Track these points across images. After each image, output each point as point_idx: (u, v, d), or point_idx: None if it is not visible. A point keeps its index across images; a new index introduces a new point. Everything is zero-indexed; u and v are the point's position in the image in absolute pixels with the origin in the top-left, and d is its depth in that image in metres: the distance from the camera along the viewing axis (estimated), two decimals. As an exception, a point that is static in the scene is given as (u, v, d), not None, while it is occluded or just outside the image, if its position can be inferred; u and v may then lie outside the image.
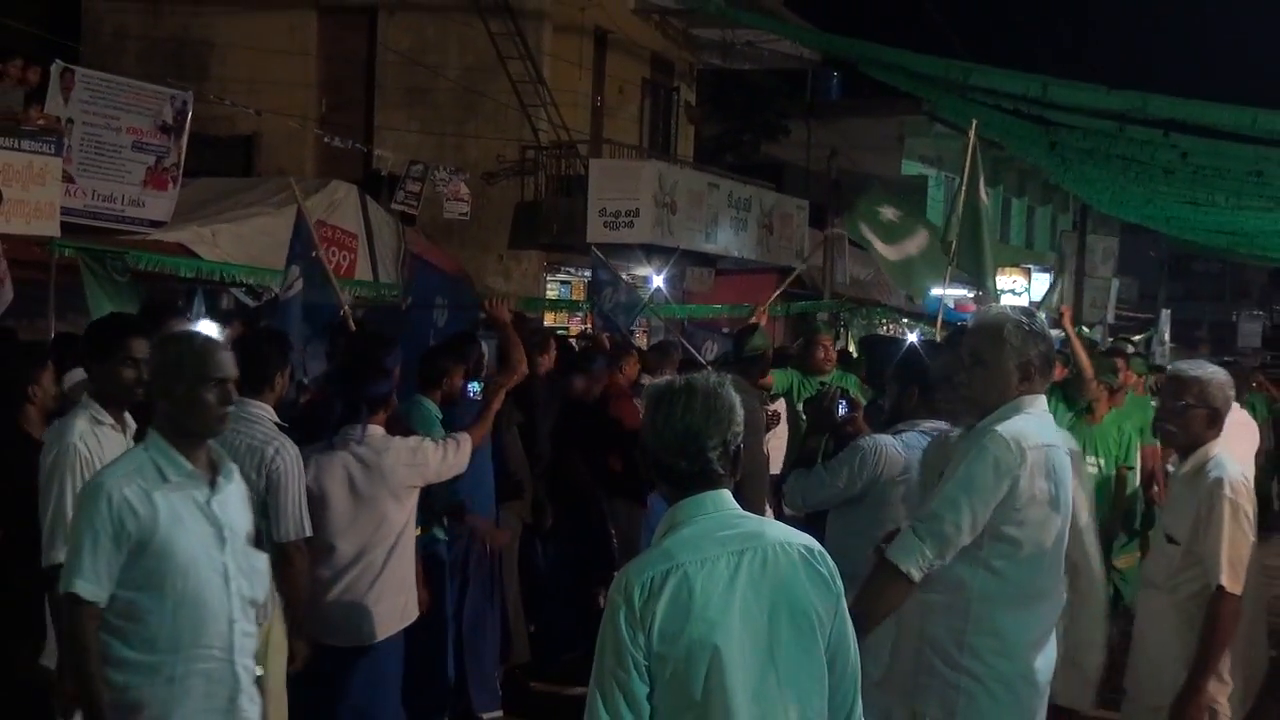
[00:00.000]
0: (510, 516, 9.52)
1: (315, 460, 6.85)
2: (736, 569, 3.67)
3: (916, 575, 4.80)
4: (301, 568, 6.31)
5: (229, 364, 4.90)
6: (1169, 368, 7.31)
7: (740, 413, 3.76)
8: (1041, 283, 38.92)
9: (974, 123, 14.11)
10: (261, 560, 5.15)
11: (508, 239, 23.97)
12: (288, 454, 6.33)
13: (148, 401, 5.11)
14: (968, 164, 13.46)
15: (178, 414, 4.84)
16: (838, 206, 29.52)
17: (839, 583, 3.80)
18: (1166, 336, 31.68)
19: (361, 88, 24.37)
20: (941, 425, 6.05)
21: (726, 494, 3.77)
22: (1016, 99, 19.47)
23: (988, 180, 42.79)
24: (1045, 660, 5.10)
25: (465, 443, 7.42)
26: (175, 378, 4.81)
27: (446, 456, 7.30)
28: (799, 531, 3.87)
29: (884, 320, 27.58)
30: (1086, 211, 35.76)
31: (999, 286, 32.97)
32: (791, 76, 34.32)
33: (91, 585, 4.65)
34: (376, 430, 7.06)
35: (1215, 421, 5.96)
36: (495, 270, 23.58)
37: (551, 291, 25.32)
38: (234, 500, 5.00)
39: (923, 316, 25.32)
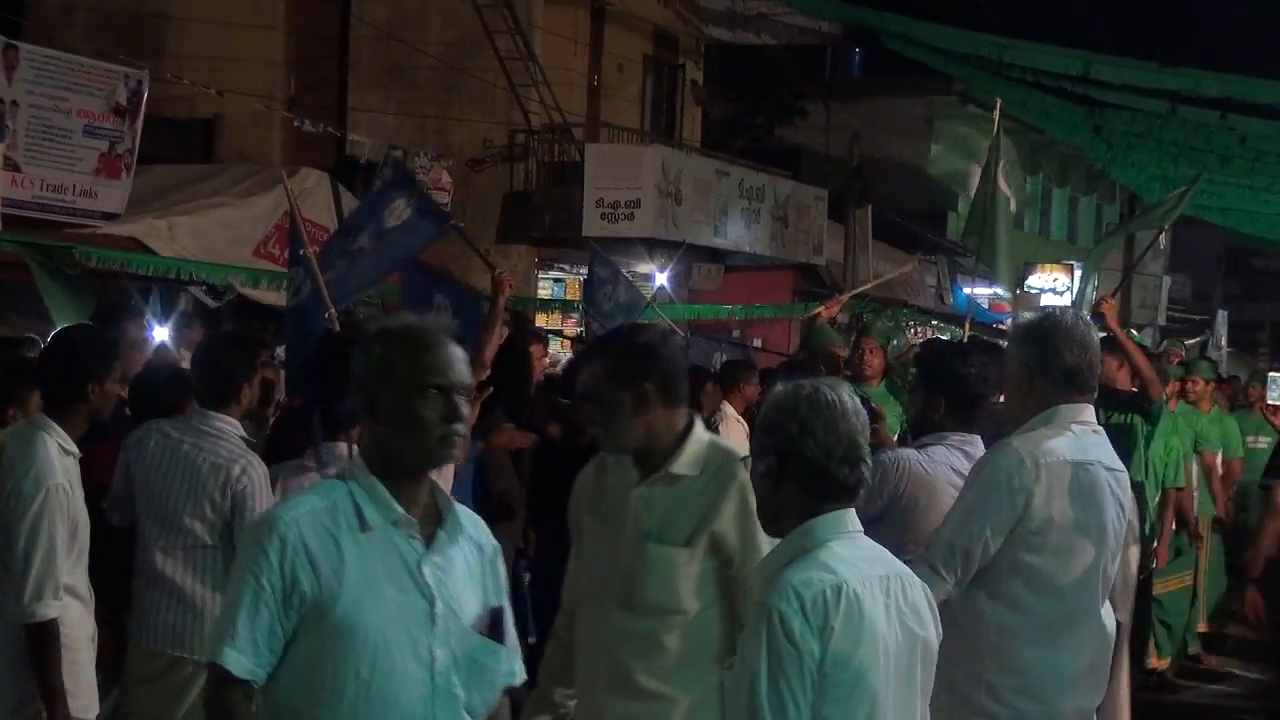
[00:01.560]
0: (502, 540, 9.53)
1: (283, 482, 6.67)
2: (888, 595, 3.89)
3: None
4: None
5: (459, 366, 3.98)
6: None
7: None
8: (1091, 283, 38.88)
9: (998, 101, 14.11)
10: (491, 654, 4.10)
11: (495, 232, 23.97)
12: (255, 473, 6.29)
13: (348, 418, 4.63)
14: (992, 146, 13.51)
15: (386, 435, 3.94)
16: (860, 196, 29.60)
17: (937, 616, 4.07)
18: (1223, 340, 31.78)
19: (333, 66, 24.40)
20: (972, 439, 6.02)
21: (854, 513, 3.97)
22: (1057, 77, 19.58)
23: (1026, 168, 42.82)
24: (1079, 702, 5.15)
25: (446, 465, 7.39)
26: (382, 385, 3.91)
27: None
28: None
29: (911, 322, 27.58)
30: (1135, 202, 35.81)
31: (1039, 285, 33.13)
32: (809, 52, 34.30)
33: (246, 659, 3.81)
34: (340, 449, 6.77)
35: None
36: (482, 267, 23.56)
37: (544, 290, 25.31)
38: (458, 565, 4.04)
39: (954, 318, 25.35)
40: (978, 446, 5.90)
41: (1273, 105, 18.26)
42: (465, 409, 3.98)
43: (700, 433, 4.88)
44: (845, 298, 13.98)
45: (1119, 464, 5.29)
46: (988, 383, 5.92)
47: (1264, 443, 14.72)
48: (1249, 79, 18.05)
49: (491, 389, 8.24)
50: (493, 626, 4.12)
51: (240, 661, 3.78)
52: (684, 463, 4.78)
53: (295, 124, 21.41)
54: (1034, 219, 44.08)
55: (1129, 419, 10.41)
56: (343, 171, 21.01)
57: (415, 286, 12.10)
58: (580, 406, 5.19)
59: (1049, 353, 5.11)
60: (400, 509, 3.90)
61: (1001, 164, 13.30)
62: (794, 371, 10.48)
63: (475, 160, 23.89)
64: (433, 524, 3.99)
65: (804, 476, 3.88)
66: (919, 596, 3.97)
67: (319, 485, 4.07)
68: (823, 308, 12.26)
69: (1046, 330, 5.15)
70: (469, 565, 4.07)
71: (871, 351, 11.12)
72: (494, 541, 4.28)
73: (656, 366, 4.78)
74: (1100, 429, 5.25)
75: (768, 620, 3.74)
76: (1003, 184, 13.20)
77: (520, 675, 4.29)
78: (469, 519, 4.16)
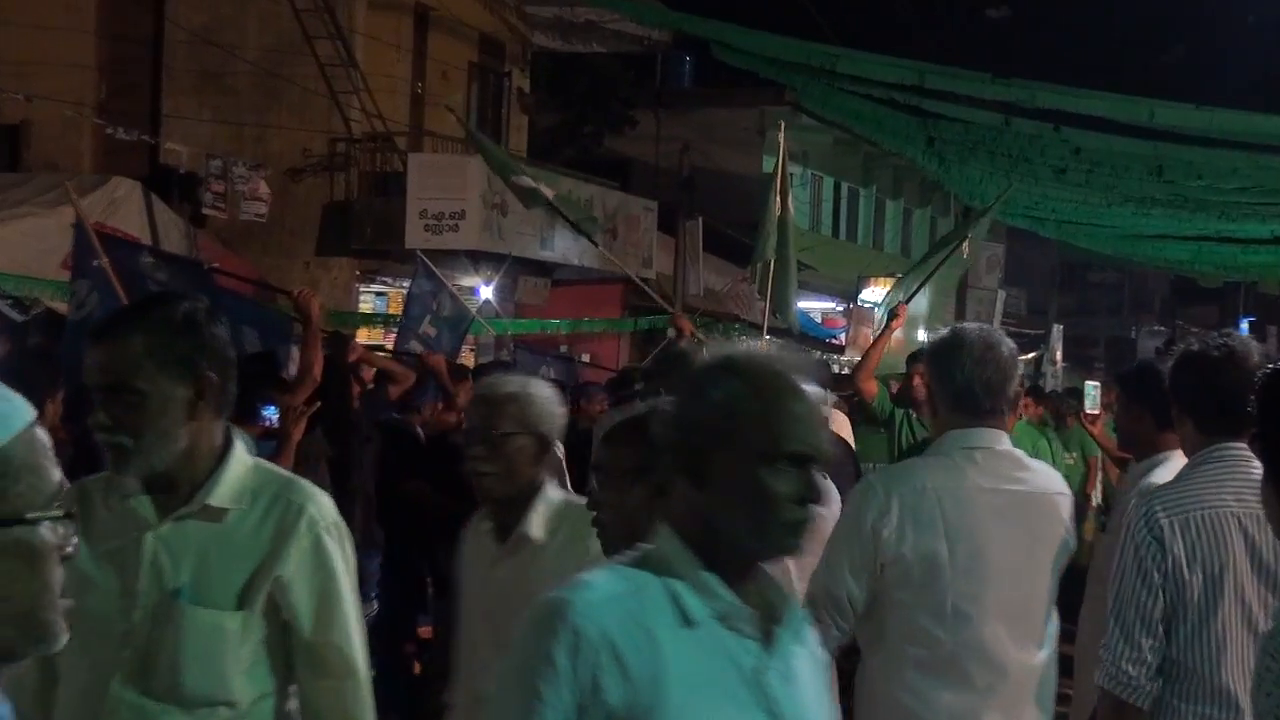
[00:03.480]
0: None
1: None
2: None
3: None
4: None
5: (824, 430, 3.17)
6: None
7: None
8: (924, 295, 39.59)
9: (781, 125, 14.34)
10: None
11: (315, 244, 24.18)
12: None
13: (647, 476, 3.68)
14: (779, 170, 13.54)
15: (716, 508, 3.06)
16: (691, 208, 29.95)
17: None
18: (1059, 355, 32.50)
19: (147, 70, 24.52)
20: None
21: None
22: (890, 88, 20.07)
23: (858, 179, 43.50)
24: None
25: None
26: (721, 442, 3.04)
27: None
28: None
29: (742, 337, 27.91)
30: (969, 214, 36.56)
31: (872, 299, 33.74)
32: (639, 61, 34.68)
33: None
34: None
35: None
36: (301, 280, 23.48)
37: (365, 304, 25.37)
38: (805, 672, 3.20)
39: (787, 333, 25.79)
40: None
41: (1106, 117, 18.89)
42: (823, 484, 3.15)
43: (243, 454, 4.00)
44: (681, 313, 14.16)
45: (1032, 485, 5.12)
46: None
47: (1071, 459, 15.24)
48: (1082, 90, 18.62)
49: (319, 404, 8.38)
50: None
51: None
52: (224, 493, 3.88)
53: (107, 131, 21.30)
54: (866, 231, 44.84)
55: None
56: (158, 180, 20.99)
57: (227, 313, 11.97)
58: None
59: (941, 373, 5.10)
60: (733, 598, 3.05)
61: (791, 193, 13.49)
62: (624, 389, 10.75)
63: (294, 170, 23.99)
64: (771, 620, 3.12)
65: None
66: None
67: (608, 567, 3.18)
68: (677, 326, 12.35)
69: (942, 349, 5.14)
70: (812, 675, 3.25)
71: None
72: (824, 651, 3.58)
73: (213, 349, 3.86)
74: (991, 449, 5.08)
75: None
76: (790, 209, 13.37)
77: None
78: (801, 610, 3.31)
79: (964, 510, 4.96)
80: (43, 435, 2.29)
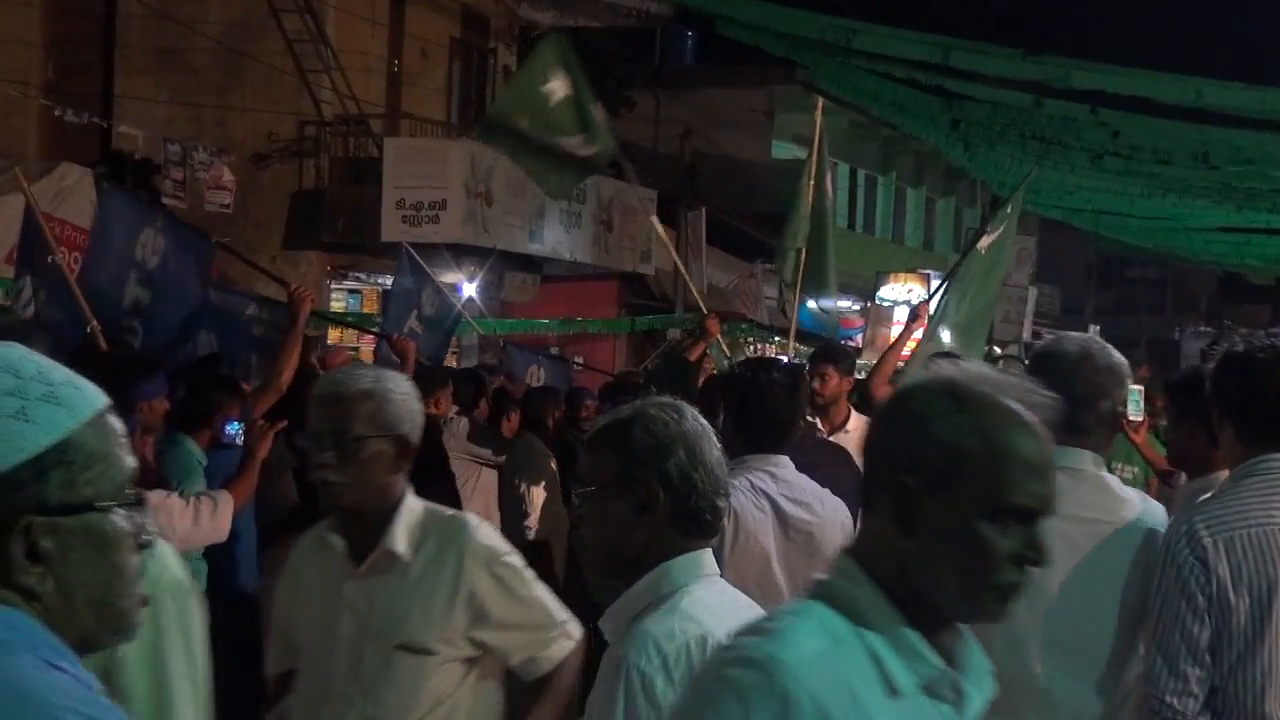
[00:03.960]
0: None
1: None
2: None
3: None
4: None
5: (1054, 478, 2.89)
6: None
7: None
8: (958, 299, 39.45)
9: (819, 101, 14.39)
10: None
11: (282, 237, 24.06)
12: None
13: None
14: (814, 154, 13.70)
15: (922, 556, 2.82)
16: (693, 197, 29.90)
17: None
18: (1094, 357, 32.59)
19: (98, 48, 24.07)
20: (779, 461, 6.18)
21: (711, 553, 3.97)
22: (912, 66, 20.02)
23: (876, 166, 43.43)
24: None
25: (225, 504, 7.41)
26: (937, 484, 2.80)
27: (199, 519, 7.27)
28: None
29: (749, 338, 27.94)
30: (998, 204, 36.50)
31: (892, 297, 33.72)
32: (636, 37, 34.67)
33: None
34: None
35: None
36: (263, 279, 23.53)
37: (337, 303, 25.33)
38: None
39: (800, 334, 25.70)
40: (784, 468, 6.11)
41: (1148, 98, 18.86)
42: (1043, 546, 2.86)
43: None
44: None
45: (1116, 516, 5.04)
46: (786, 402, 6.11)
47: (1130, 473, 15.15)
48: (1122, 69, 18.58)
49: (285, 422, 8.23)
50: None
51: None
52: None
53: (55, 113, 21.22)
54: (885, 223, 44.73)
55: None
56: (111, 167, 20.87)
57: (165, 316, 11.78)
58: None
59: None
60: (938, 662, 2.83)
61: (829, 174, 13.55)
62: (620, 394, 10.68)
63: (259, 155, 23.90)
64: (958, 679, 2.90)
65: (672, 512, 3.79)
66: None
67: (796, 610, 2.87)
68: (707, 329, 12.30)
69: (1035, 360, 5.18)
70: None
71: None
72: None
73: None
74: (1078, 472, 5.01)
75: (625, 679, 3.61)
76: (829, 190, 13.45)
77: None
78: (983, 663, 3.02)
79: None
80: (115, 422, 2.42)
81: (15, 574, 2.30)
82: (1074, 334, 5.36)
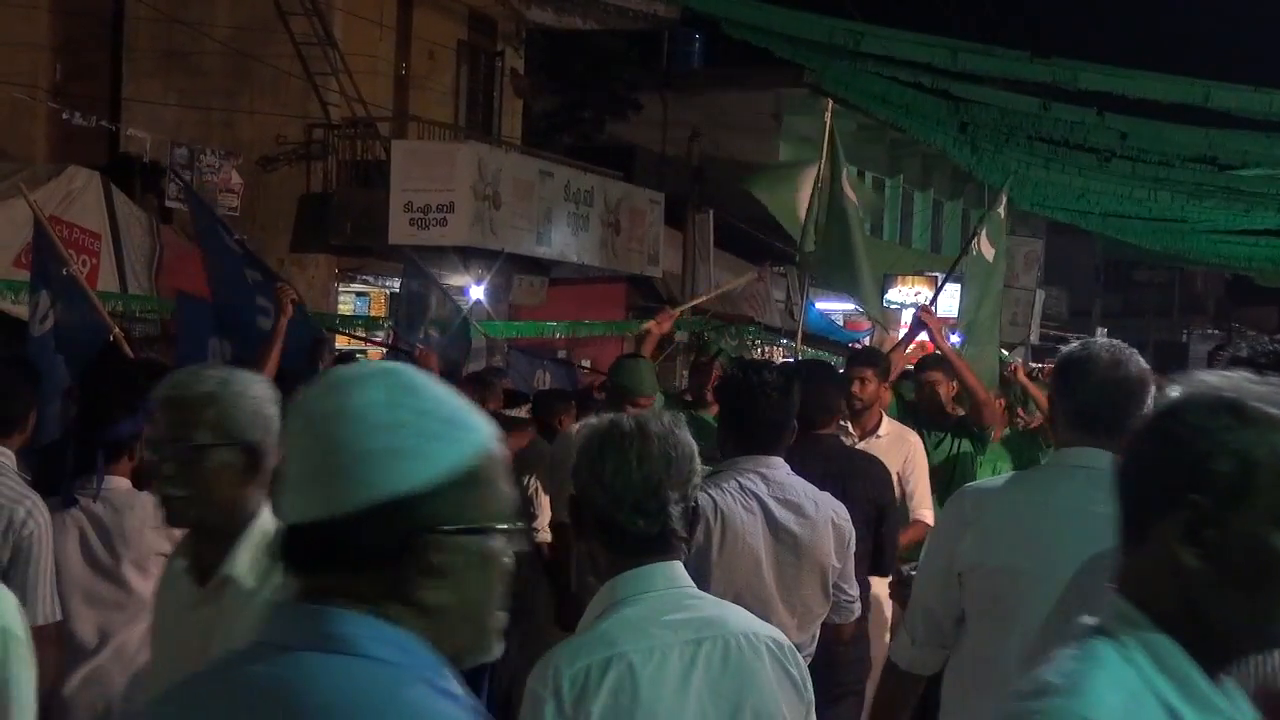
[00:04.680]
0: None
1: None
2: (692, 662, 3.75)
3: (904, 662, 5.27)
4: (55, 659, 5.67)
5: None
6: None
7: (698, 463, 3.92)
8: (951, 294, 39.44)
9: (829, 104, 14.42)
10: None
11: (290, 240, 24.01)
12: (41, 517, 5.91)
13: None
14: (824, 156, 13.74)
15: (1210, 583, 2.63)
16: (700, 199, 29.90)
17: (810, 691, 3.93)
18: (1102, 360, 32.61)
19: (106, 51, 24.08)
20: (771, 462, 6.21)
21: (680, 566, 3.87)
22: (919, 68, 20.03)
23: (884, 169, 43.35)
24: None
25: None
26: (1233, 501, 2.63)
27: None
28: (764, 621, 4.03)
29: (757, 340, 27.93)
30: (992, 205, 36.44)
31: (900, 300, 33.73)
32: (644, 39, 34.69)
33: None
34: (119, 483, 6.39)
35: None
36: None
37: (345, 305, 25.35)
38: None
39: (808, 336, 25.73)
40: (777, 469, 6.16)
41: (1156, 100, 18.87)
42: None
43: None
44: (678, 311, 14.17)
45: None
46: (779, 406, 6.15)
47: None
48: (1130, 71, 18.58)
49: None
50: None
51: None
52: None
53: (62, 116, 21.20)
54: (893, 226, 44.70)
55: (958, 446, 10.77)
56: (118, 170, 20.91)
57: (191, 325, 11.87)
58: None
59: (1063, 388, 5.15)
60: (1230, 710, 2.64)
61: (845, 173, 13.58)
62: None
63: (267, 158, 23.84)
64: None
65: (594, 529, 3.85)
66: (758, 663, 3.83)
67: (1082, 657, 2.65)
68: (654, 322, 12.20)
69: (1066, 364, 5.19)
70: None
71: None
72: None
73: None
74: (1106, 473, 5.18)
75: (525, 698, 3.69)
76: (849, 192, 13.46)
77: None
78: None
79: (1045, 526, 4.90)
80: (502, 453, 2.54)
81: (411, 588, 2.40)
82: (1101, 339, 5.43)
